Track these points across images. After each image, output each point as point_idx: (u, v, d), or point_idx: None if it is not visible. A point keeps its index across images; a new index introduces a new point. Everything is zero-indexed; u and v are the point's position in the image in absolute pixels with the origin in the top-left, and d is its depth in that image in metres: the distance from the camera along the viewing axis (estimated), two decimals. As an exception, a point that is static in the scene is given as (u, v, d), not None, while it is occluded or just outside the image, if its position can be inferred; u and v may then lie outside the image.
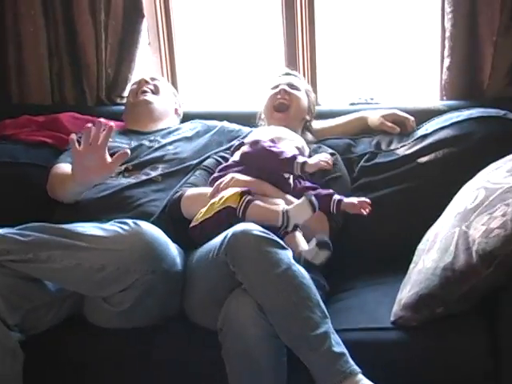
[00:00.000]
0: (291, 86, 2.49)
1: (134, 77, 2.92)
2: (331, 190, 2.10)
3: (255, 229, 1.82)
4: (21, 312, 1.88)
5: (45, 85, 2.96)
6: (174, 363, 1.97)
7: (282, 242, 1.83)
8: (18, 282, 1.88)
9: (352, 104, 2.83)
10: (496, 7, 2.54)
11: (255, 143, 2.17)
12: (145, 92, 2.61)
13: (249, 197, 1.98)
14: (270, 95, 2.50)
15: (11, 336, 1.85)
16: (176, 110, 2.71)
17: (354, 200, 2.04)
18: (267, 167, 2.11)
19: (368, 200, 2.03)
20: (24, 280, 1.89)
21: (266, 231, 1.83)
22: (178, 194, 2.21)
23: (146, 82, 2.65)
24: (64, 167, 2.30)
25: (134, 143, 2.44)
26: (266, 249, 1.78)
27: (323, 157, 2.17)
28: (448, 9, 2.60)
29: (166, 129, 2.54)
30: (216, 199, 2.02)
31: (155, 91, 2.64)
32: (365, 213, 2.01)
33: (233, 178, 2.10)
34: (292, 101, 2.47)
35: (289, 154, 2.10)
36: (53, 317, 1.98)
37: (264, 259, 1.78)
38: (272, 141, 2.19)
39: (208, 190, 2.14)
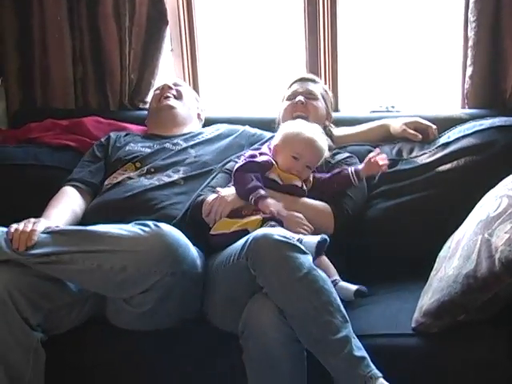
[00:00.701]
0: (308, 95, 2.47)
1: (157, 82, 2.95)
2: (343, 167, 2.23)
3: (276, 233, 1.83)
4: (43, 312, 1.90)
5: (69, 89, 3.00)
6: (195, 365, 1.99)
7: (302, 246, 1.84)
8: (40, 282, 1.90)
9: (373, 112, 2.84)
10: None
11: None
12: (168, 97, 2.63)
13: (270, 223, 2.00)
14: (286, 107, 2.49)
15: (34, 336, 1.87)
16: (198, 114, 2.73)
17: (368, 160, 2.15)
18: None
19: (380, 152, 2.17)
20: (46, 280, 1.91)
21: (287, 236, 1.84)
22: (200, 198, 2.23)
23: (169, 88, 2.66)
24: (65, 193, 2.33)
25: (156, 146, 2.47)
26: (287, 253, 1.79)
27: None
28: (471, 18, 2.60)
29: (188, 133, 2.56)
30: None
31: (178, 96, 2.66)
32: (384, 168, 2.15)
33: (220, 197, 2.14)
34: (310, 111, 2.45)
35: None
36: (75, 317, 2.00)
37: (285, 263, 1.78)
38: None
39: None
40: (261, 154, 2.23)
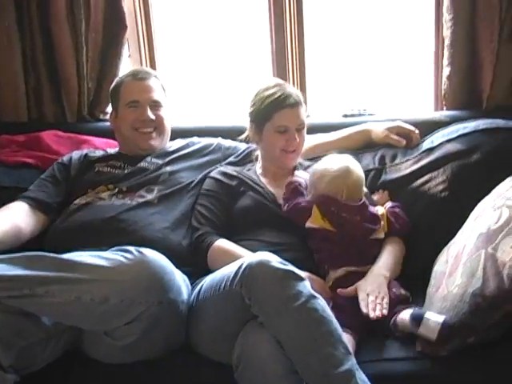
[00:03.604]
0: (299, 126, 2.22)
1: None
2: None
3: (272, 259, 1.70)
4: (15, 351, 1.72)
5: (21, 101, 2.79)
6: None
7: (299, 272, 1.71)
8: (11, 318, 1.72)
9: (345, 116, 2.73)
10: (496, 14, 2.47)
11: None
12: (149, 134, 2.36)
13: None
14: (276, 141, 2.22)
15: (7, 379, 1.69)
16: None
17: None
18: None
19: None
20: (17, 316, 1.73)
21: (284, 261, 1.72)
22: (206, 242, 2.11)
23: (151, 121, 2.34)
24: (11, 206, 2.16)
25: (129, 167, 2.32)
26: (284, 280, 1.67)
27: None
28: (448, 16, 2.51)
29: (162, 149, 2.40)
30: None
31: (158, 126, 2.37)
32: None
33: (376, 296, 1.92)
34: (300, 144, 2.25)
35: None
36: (49, 353, 1.83)
37: (282, 291, 1.66)
38: None
39: (239, 249, 2.06)
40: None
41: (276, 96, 2.19)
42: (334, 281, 2.00)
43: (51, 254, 1.76)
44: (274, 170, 2.31)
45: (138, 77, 2.38)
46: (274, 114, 2.19)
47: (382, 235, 2.11)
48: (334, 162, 2.14)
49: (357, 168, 2.14)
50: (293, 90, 2.25)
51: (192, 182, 2.29)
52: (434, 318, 1.71)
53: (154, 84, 2.38)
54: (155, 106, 2.36)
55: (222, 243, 2.10)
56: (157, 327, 1.78)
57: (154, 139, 2.37)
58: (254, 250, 1.92)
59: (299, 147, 2.26)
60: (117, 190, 2.21)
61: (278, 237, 2.12)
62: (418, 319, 1.73)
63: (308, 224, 2.09)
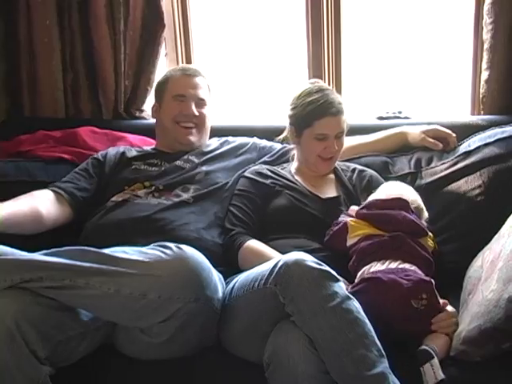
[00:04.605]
0: (339, 133, 2.21)
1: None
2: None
3: (308, 259, 1.70)
4: (52, 344, 1.74)
5: (58, 97, 2.84)
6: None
7: (335, 273, 1.71)
8: (51, 311, 1.74)
9: (380, 118, 2.72)
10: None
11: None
12: (190, 129, 2.38)
13: None
14: (315, 148, 2.21)
15: (42, 370, 1.70)
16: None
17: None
18: None
19: None
20: (57, 309, 1.75)
21: (320, 262, 1.71)
22: (237, 242, 2.10)
23: (194, 116, 2.37)
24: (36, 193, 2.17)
25: (166, 164, 2.33)
26: (320, 280, 1.67)
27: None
28: (488, 20, 2.48)
29: (198, 148, 2.41)
30: None
31: (200, 124, 2.40)
32: None
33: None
34: (338, 150, 2.24)
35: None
36: (84, 348, 1.85)
37: (318, 291, 1.66)
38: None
39: (269, 250, 2.05)
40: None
41: (319, 104, 2.17)
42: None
43: (93, 249, 1.78)
44: (309, 173, 2.30)
45: (187, 73, 2.42)
46: (315, 121, 2.18)
47: (430, 243, 2.06)
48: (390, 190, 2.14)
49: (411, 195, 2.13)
50: (335, 96, 2.22)
51: (227, 182, 2.29)
52: (438, 370, 1.68)
53: (201, 82, 2.42)
54: (200, 103, 2.39)
55: (253, 244, 2.10)
56: (192, 325, 1.79)
57: (193, 135, 2.38)
58: (285, 251, 1.90)
59: (337, 154, 2.25)
60: (153, 188, 2.22)
61: (311, 240, 2.11)
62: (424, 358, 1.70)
63: (348, 242, 2.04)
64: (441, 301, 1.86)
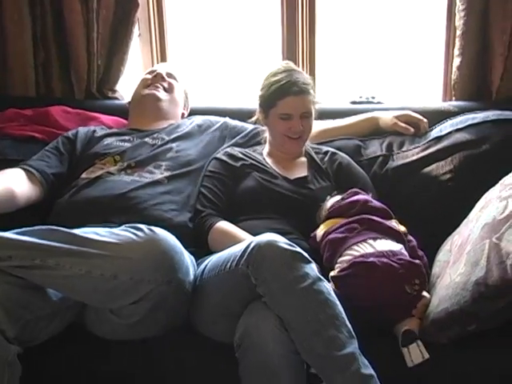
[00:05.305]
0: (303, 113, 2.20)
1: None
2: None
3: (280, 240, 1.71)
4: (21, 323, 1.73)
5: (29, 75, 2.79)
6: (180, 376, 1.87)
7: (307, 254, 1.72)
8: (20, 291, 1.73)
9: (353, 102, 2.73)
10: (510, 6, 2.46)
11: None
12: (157, 87, 2.46)
13: None
14: (279, 127, 2.23)
15: (11, 349, 1.70)
16: (183, 114, 2.57)
17: None
18: None
19: None
20: (26, 289, 1.74)
21: (292, 243, 1.72)
22: (207, 224, 2.11)
23: (162, 78, 2.48)
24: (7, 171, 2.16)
25: (136, 140, 2.33)
26: (292, 262, 1.68)
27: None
28: (460, 6, 2.50)
29: (168, 126, 2.42)
30: None
31: (168, 90, 2.49)
32: None
33: None
34: (304, 131, 2.24)
35: None
36: (53, 328, 1.84)
37: (289, 272, 1.67)
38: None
39: (239, 231, 2.05)
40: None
41: (281, 83, 2.18)
42: None
43: (64, 229, 1.76)
44: (280, 156, 2.31)
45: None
46: (277, 101, 2.19)
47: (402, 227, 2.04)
48: None
49: None
50: (301, 76, 2.22)
51: (199, 162, 2.30)
52: (423, 349, 1.71)
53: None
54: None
55: (223, 225, 2.10)
56: (163, 307, 1.79)
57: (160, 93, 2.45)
58: (255, 232, 1.92)
59: (304, 134, 2.26)
60: (126, 164, 2.21)
61: (280, 220, 2.11)
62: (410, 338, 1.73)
63: (318, 239, 2.03)
64: None
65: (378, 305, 1.77)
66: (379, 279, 1.78)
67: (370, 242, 1.89)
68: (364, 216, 1.98)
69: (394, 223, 2.01)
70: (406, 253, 1.89)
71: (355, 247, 1.88)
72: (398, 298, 1.78)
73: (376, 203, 2.06)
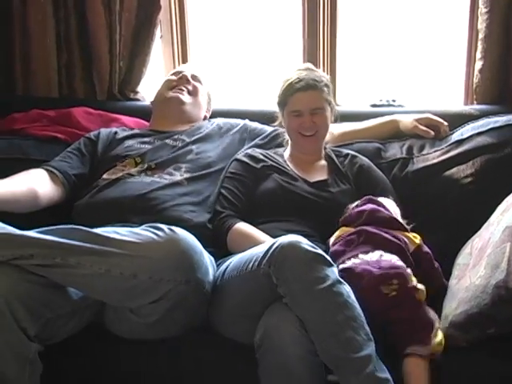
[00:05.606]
0: (314, 110, 2.21)
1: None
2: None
3: (303, 241, 1.72)
4: (41, 321, 1.75)
5: (52, 77, 2.82)
6: (199, 376, 1.87)
7: (329, 257, 1.73)
8: (41, 289, 1.74)
9: (373, 106, 2.73)
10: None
11: None
12: (181, 90, 2.47)
13: None
14: (292, 124, 2.26)
15: (31, 347, 1.72)
16: (205, 116, 2.58)
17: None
18: None
19: None
20: (47, 288, 1.75)
21: (314, 245, 1.73)
22: (226, 225, 2.11)
23: (187, 81, 2.50)
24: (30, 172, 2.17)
25: (156, 142, 2.34)
26: (314, 263, 1.69)
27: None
28: (483, 9, 2.49)
29: (189, 128, 2.43)
30: None
31: (192, 93, 2.50)
32: None
33: None
34: (318, 126, 2.24)
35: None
36: (73, 326, 1.86)
37: (310, 273, 1.67)
38: None
39: (258, 233, 2.06)
40: None
41: (290, 81, 2.22)
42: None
43: (85, 228, 1.77)
44: (301, 158, 2.31)
45: None
46: (288, 98, 2.23)
47: (413, 239, 2.01)
48: None
49: None
50: (312, 74, 2.24)
51: (219, 164, 2.31)
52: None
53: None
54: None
55: (242, 226, 2.11)
56: (182, 306, 1.80)
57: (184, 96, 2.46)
58: (274, 234, 1.93)
59: (319, 132, 2.26)
60: (146, 166, 2.23)
61: (299, 223, 2.12)
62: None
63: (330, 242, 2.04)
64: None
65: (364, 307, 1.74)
66: (356, 283, 1.77)
67: (361, 256, 1.89)
68: (363, 228, 1.97)
69: (398, 233, 1.98)
70: (398, 263, 1.86)
71: (347, 261, 1.89)
72: (375, 299, 1.78)
73: (384, 213, 2.03)
